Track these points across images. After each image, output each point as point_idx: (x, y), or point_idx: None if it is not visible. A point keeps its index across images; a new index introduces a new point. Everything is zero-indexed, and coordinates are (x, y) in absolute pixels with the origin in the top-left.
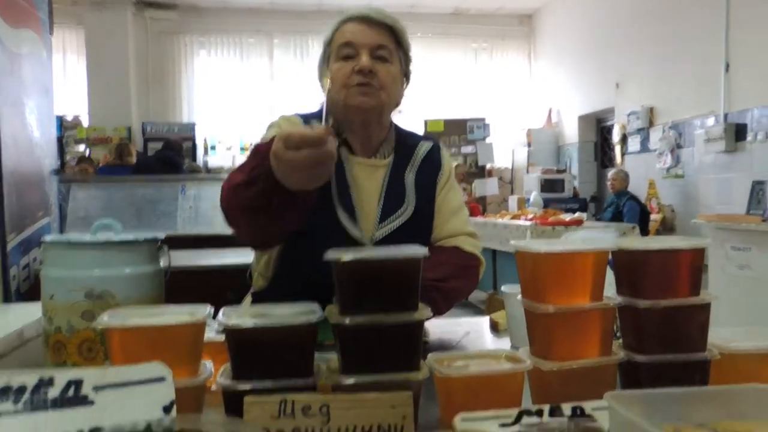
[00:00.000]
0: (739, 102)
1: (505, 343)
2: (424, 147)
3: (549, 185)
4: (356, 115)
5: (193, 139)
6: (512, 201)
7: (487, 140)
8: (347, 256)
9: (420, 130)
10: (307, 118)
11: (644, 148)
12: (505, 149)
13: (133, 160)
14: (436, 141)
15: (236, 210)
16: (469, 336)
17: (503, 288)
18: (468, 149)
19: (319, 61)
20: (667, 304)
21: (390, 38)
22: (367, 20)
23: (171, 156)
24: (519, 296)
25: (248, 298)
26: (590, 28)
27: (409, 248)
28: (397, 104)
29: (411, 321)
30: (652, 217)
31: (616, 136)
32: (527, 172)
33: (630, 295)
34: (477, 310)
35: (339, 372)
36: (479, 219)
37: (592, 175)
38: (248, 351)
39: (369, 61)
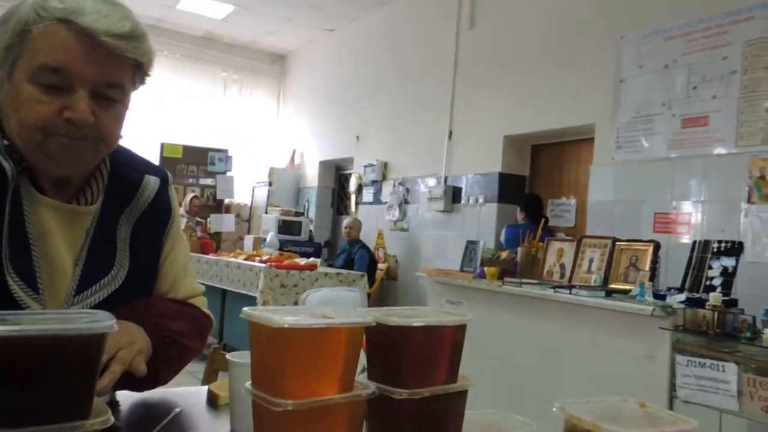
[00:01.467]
0: (457, 167)
1: (223, 426)
2: (151, 186)
3: (286, 227)
4: (54, 169)
5: None
6: (248, 240)
7: (228, 174)
8: None
9: (155, 154)
10: None
11: (377, 199)
12: (246, 185)
13: None
14: (164, 174)
15: None
16: (181, 414)
17: (229, 356)
18: (207, 181)
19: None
20: (430, 393)
21: (127, 69)
22: (94, 41)
23: None
24: (248, 384)
25: None
26: (336, 80)
27: (86, 317)
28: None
29: None
30: (379, 266)
31: (353, 186)
32: (266, 212)
33: (385, 380)
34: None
35: None
36: (211, 257)
37: (327, 221)
38: None
39: (87, 108)
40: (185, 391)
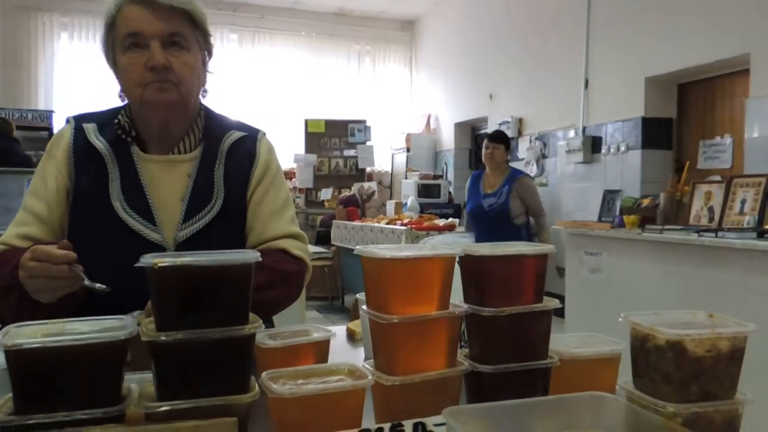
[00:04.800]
0: (596, 116)
1: (359, 354)
2: (232, 137)
3: (426, 190)
4: (155, 113)
5: (50, 128)
6: (390, 205)
7: (368, 143)
8: (165, 260)
9: (300, 130)
10: (86, 119)
11: (514, 156)
12: (385, 153)
13: None
14: (254, 132)
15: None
16: (327, 344)
17: (358, 295)
18: (349, 152)
19: (102, 45)
20: (512, 311)
21: (183, 22)
22: (152, 4)
23: (1, 145)
24: (364, 306)
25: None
26: (466, 39)
27: (238, 253)
28: (201, 90)
29: (240, 335)
30: None
31: None
32: (405, 177)
33: (476, 302)
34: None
35: (154, 397)
36: (356, 223)
37: (466, 182)
38: (35, 377)
39: (162, 55)
40: (330, 329)
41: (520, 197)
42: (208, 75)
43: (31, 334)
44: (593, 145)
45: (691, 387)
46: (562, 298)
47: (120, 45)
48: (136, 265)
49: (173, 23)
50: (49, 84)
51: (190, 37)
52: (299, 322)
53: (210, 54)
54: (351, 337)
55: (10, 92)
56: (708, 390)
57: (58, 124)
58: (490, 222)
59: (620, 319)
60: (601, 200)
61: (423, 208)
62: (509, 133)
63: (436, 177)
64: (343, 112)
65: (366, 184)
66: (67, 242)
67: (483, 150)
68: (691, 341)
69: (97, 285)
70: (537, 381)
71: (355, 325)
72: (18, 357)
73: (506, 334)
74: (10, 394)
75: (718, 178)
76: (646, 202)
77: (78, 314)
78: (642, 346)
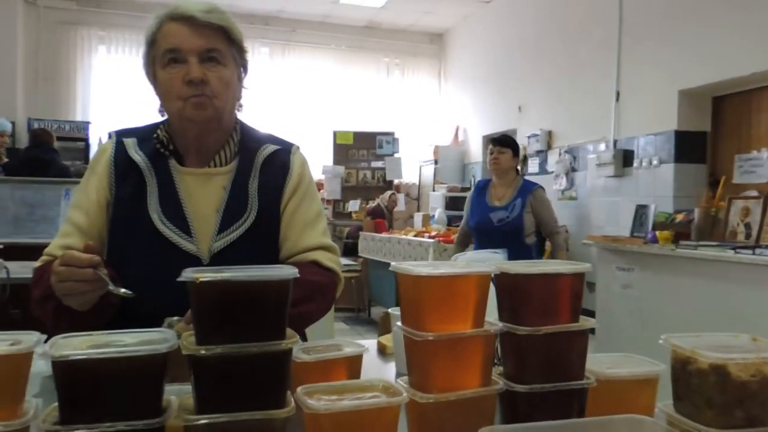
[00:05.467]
0: (627, 130)
1: (390, 369)
2: (267, 150)
3: (453, 203)
4: (191, 127)
5: (86, 139)
6: (417, 217)
7: (396, 155)
8: (205, 275)
9: (329, 142)
10: (126, 134)
11: (542, 169)
12: (413, 165)
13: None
14: (288, 145)
15: (43, 316)
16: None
17: (391, 310)
18: (377, 164)
19: (143, 61)
20: (547, 331)
21: (220, 38)
22: (191, 21)
23: (39, 155)
24: (398, 322)
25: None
26: (495, 53)
27: (276, 269)
28: (236, 104)
29: (278, 350)
30: None
31: None
32: (433, 189)
33: (511, 320)
34: (375, 328)
35: (193, 410)
36: (384, 235)
37: None
38: (80, 387)
39: (199, 69)
40: (361, 343)
41: (534, 213)
42: (244, 90)
43: (77, 346)
44: (624, 158)
45: (735, 412)
46: (592, 314)
47: (160, 61)
48: (179, 279)
49: (210, 39)
50: (86, 96)
51: (227, 52)
52: (328, 334)
53: (246, 70)
54: (382, 351)
55: (49, 104)
56: (753, 415)
57: (95, 135)
58: (499, 239)
59: (660, 341)
60: (633, 215)
61: (450, 221)
62: (538, 146)
63: (463, 189)
64: (372, 124)
65: (388, 193)
66: (93, 244)
67: (488, 156)
68: (735, 365)
69: (122, 290)
70: (573, 402)
71: (387, 340)
72: (64, 368)
73: (542, 353)
74: (56, 404)
75: (755, 193)
76: (680, 217)
77: (114, 322)
78: (683, 369)
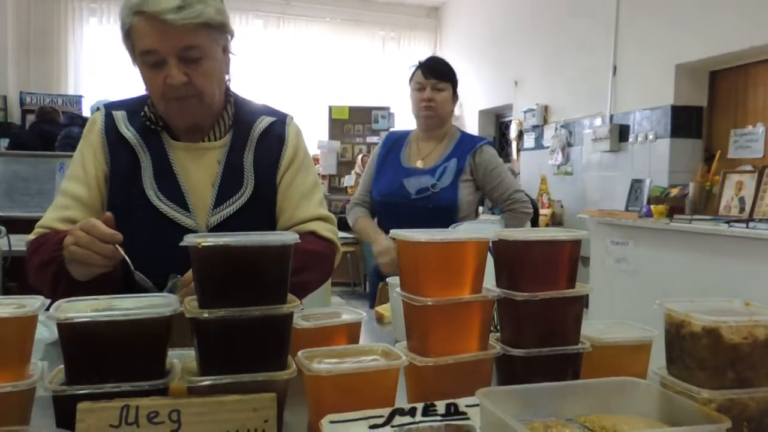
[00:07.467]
0: (623, 104)
1: (386, 337)
2: (263, 123)
3: None
4: (179, 123)
5: (79, 114)
6: None
7: (392, 130)
8: (208, 240)
9: (324, 117)
10: (115, 107)
11: (538, 145)
12: None
13: None
14: (283, 116)
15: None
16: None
17: (388, 279)
18: (372, 139)
19: (123, 44)
20: (544, 297)
21: (199, 32)
22: (162, 21)
23: (49, 130)
24: (398, 288)
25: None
26: (492, 26)
27: (278, 234)
28: (225, 82)
29: (279, 314)
30: (543, 211)
31: (513, 132)
32: None
33: (509, 287)
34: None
35: (197, 372)
36: None
37: None
38: (85, 349)
39: (179, 73)
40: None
41: (478, 181)
42: (232, 57)
43: (82, 309)
44: (620, 133)
45: (727, 373)
46: None
47: (139, 59)
48: (181, 244)
49: (188, 38)
50: (78, 69)
51: (208, 43)
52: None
53: (231, 36)
54: (379, 320)
55: (41, 78)
56: (744, 377)
57: (87, 109)
58: (417, 220)
59: (655, 306)
60: (628, 190)
61: None
62: (534, 121)
63: None
64: (368, 99)
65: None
66: (110, 217)
67: (413, 93)
68: (727, 328)
69: (147, 282)
70: (568, 366)
71: (384, 309)
72: (69, 330)
73: (538, 318)
74: (62, 366)
75: (749, 167)
76: (674, 191)
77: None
78: (677, 333)
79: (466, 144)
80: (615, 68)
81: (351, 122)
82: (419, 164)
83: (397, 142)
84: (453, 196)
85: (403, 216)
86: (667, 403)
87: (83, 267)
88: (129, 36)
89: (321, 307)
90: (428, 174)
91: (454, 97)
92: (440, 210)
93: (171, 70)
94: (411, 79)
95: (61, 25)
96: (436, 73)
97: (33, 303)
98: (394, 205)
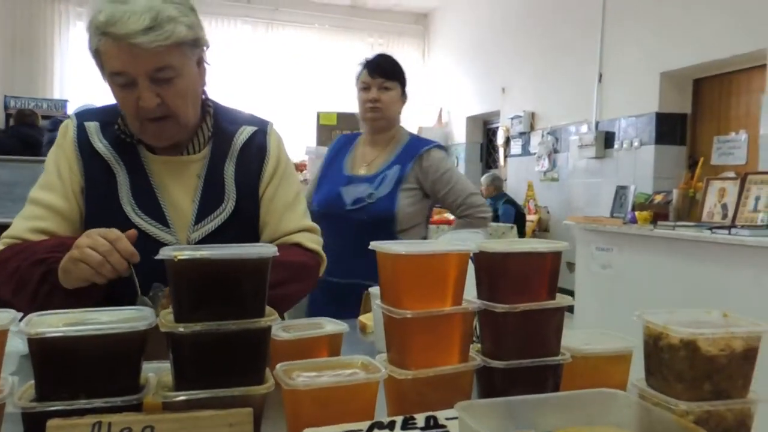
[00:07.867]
0: (609, 111)
1: (370, 348)
2: (244, 133)
3: None
4: (156, 144)
5: (64, 118)
6: None
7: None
8: (184, 253)
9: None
10: (87, 117)
11: (525, 151)
12: None
13: None
14: (263, 124)
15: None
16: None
17: (371, 289)
18: None
19: (94, 62)
20: (525, 308)
21: (172, 52)
22: (130, 44)
23: (30, 134)
24: (378, 300)
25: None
26: (480, 34)
27: (256, 247)
28: (199, 98)
29: (257, 328)
30: (529, 217)
31: (500, 139)
32: None
33: (489, 298)
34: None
35: (172, 387)
36: None
37: (477, 176)
38: (56, 365)
39: (151, 95)
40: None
41: (427, 189)
42: (216, 64)
43: (54, 323)
44: (606, 140)
45: (704, 385)
46: (571, 294)
47: (108, 78)
48: (156, 257)
49: (159, 59)
50: (63, 73)
51: (180, 61)
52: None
53: (207, 47)
54: (362, 330)
55: (26, 81)
56: (721, 389)
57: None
58: (352, 235)
59: (634, 318)
60: (613, 196)
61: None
62: (521, 128)
63: None
64: (355, 105)
65: None
66: (135, 234)
67: (359, 94)
68: (704, 340)
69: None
70: (548, 377)
71: (367, 318)
72: (40, 345)
73: (519, 330)
74: (32, 381)
75: (732, 174)
76: (658, 198)
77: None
78: (655, 345)
79: (412, 149)
80: (601, 76)
81: (339, 128)
82: (362, 171)
83: (345, 146)
84: (390, 207)
85: (342, 229)
86: (646, 415)
87: (83, 273)
88: (98, 55)
89: (303, 318)
90: (367, 182)
91: (403, 97)
92: (377, 222)
93: (143, 92)
94: (357, 79)
95: (47, 29)
96: (383, 72)
97: (4, 316)
98: (331, 217)
